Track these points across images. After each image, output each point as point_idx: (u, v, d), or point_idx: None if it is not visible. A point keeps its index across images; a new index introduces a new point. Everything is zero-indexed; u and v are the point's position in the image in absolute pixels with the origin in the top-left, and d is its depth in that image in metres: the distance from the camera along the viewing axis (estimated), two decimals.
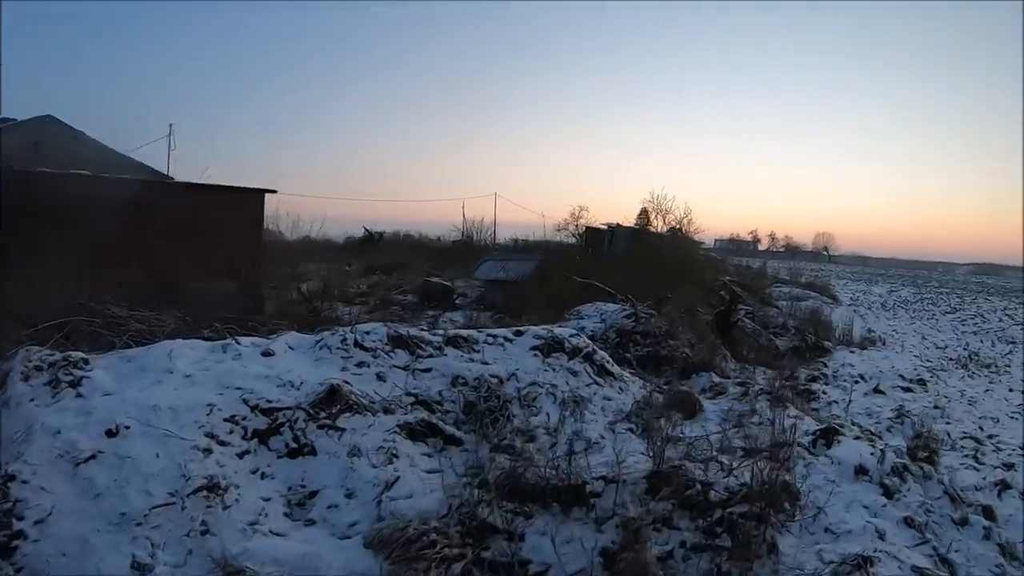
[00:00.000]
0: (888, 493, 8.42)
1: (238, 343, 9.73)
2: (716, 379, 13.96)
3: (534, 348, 11.69)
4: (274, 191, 23.10)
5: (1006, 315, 36.40)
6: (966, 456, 10.68)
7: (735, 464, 8.16)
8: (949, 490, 8.76)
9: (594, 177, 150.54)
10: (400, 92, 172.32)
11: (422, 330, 11.81)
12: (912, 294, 48.89)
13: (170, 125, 40.59)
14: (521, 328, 12.45)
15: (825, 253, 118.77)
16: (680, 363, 14.77)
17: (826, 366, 17.56)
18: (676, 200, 53.61)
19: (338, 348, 10.15)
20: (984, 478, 9.67)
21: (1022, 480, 9.67)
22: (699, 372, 14.47)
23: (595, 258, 34.86)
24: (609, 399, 11.15)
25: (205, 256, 18.74)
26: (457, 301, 24.64)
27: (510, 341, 11.83)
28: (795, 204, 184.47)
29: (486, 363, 10.92)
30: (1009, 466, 10.37)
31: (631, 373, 13.46)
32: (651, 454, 8.35)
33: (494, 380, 10.37)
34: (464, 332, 11.85)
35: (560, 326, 16.21)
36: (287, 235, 60.38)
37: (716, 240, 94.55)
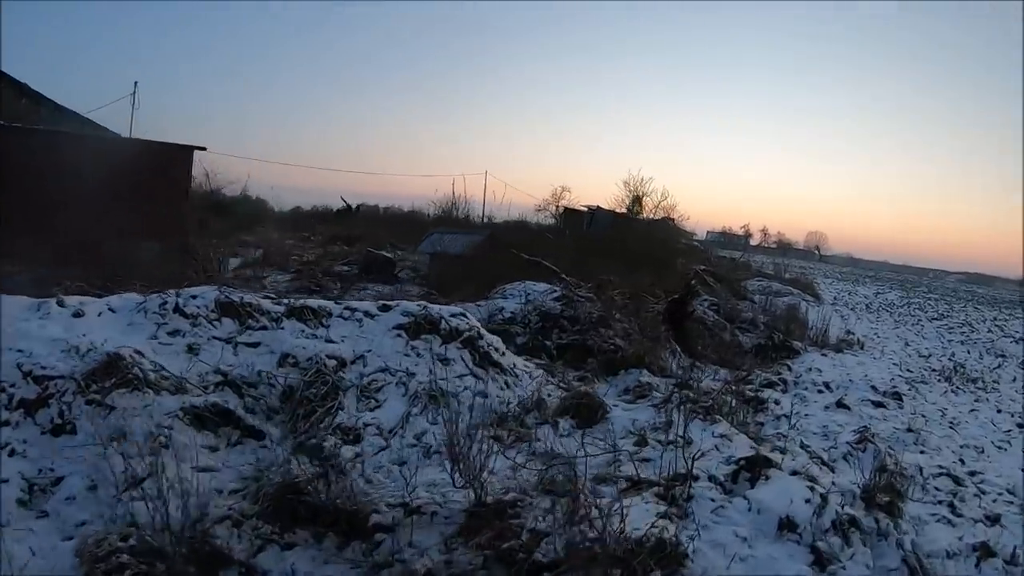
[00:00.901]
0: (821, 561, 5.70)
1: (60, 303, 8.39)
2: (647, 378, 11.27)
3: (399, 327, 9.41)
4: (203, 148, 21.71)
5: (996, 326, 33.50)
6: (940, 503, 7.81)
7: (601, 503, 5.45)
8: (910, 557, 6.02)
9: (593, 165, 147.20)
10: (404, 69, 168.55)
11: (266, 297, 9.77)
12: (899, 297, 45.86)
13: (135, 83, 38.19)
14: (389, 302, 10.06)
15: (816, 252, 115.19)
16: (607, 355, 12.07)
17: (789, 369, 14.78)
18: (654, 184, 51.47)
19: (155, 313, 8.58)
20: (960, 538, 6.83)
21: (1010, 542, 6.85)
22: (630, 368, 11.77)
23: (571, 240, 32.14)
24: (485, 396, 8.70)
25: (126, 214, 17.41)
26: (400, 274, 22.04)
27: (371, 317, 9.56)
28: (791, 202, 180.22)
29: (331, 341, 8.98)
30: (994, 519, 7.53)
31: (540, 364, 10.97)
32: (464, 481, 5.75)
33: (332, 362, 8.47)
34: (314, 303, 9.72)
35: (478, 304, 13.74)
36: (273, 205, 59.34)
37: (708, 232, 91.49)
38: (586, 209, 41.88)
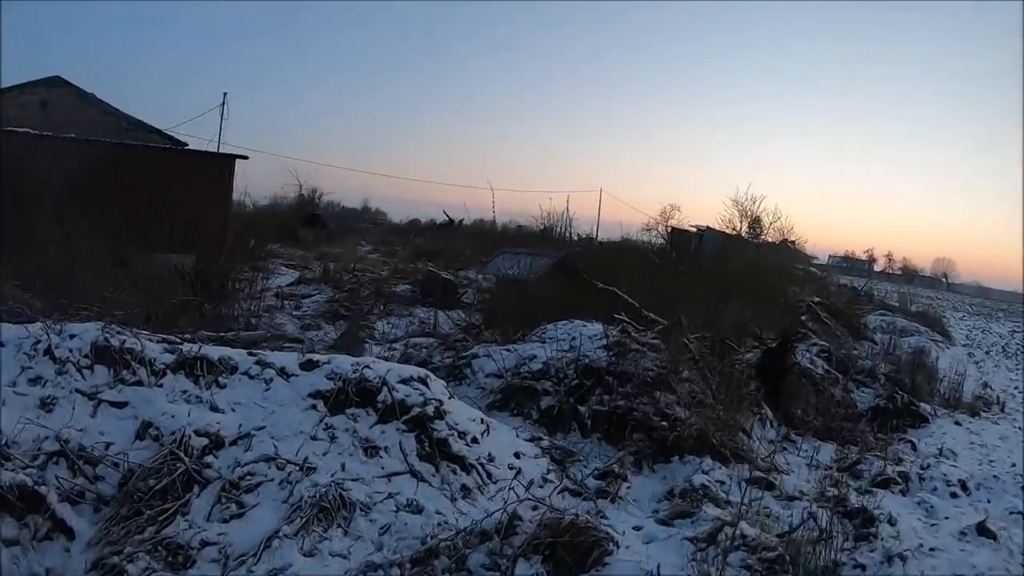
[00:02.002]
0: None
1: None
2: (706, 474, 7.86)
3: (316, 395, 6.67)
4: (245, 157, 20.10)
5: None
6: None
7: None
8: None
9: (707, 183, 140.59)
10: (526, 83, 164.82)
11: (163, 340, 7.32)
12: None
13: (224, 94, 36.89)
14: (317, 358, 7.07)
15: (943, 280, 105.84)
16: (658, 432, 8.63)
17: (914, 448, 10.97)
18: (766, 202, 46.42)
19: (25, 353, 6.60)
20: None
21: None
22: (689, 453, 8.36)
23: (677, 263, 28.53)
24: (418, 511, 5.57)
25: (153, 226, 15.59)
26: (465, 298, 18.93)
27: (285, 377, 6.76)
28: (919, 224, 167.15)
29: (216, 409, 6.44)
30: None
31: (553, 446, 7.82)
32: None
33: (201, 441, 5.94)
34: (216, 352, 7.15)
35: (506, 348, 10.55)
36: (391, 217, 58.46)
37: (829, 256, 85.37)
38: (695, 230, 38.18)
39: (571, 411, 9.05)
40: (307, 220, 40.84)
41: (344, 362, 6.90)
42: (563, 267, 19.22)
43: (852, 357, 16.41)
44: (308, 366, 6.86)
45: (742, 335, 14.18)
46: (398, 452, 6.22)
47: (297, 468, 5.76)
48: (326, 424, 6.27)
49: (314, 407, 6.41)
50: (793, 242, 44.37)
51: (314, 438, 6.11)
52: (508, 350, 10.63)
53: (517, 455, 7.10)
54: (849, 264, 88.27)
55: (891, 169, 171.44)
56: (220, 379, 6.63)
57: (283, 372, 6.74)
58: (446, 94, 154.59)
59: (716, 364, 11.43)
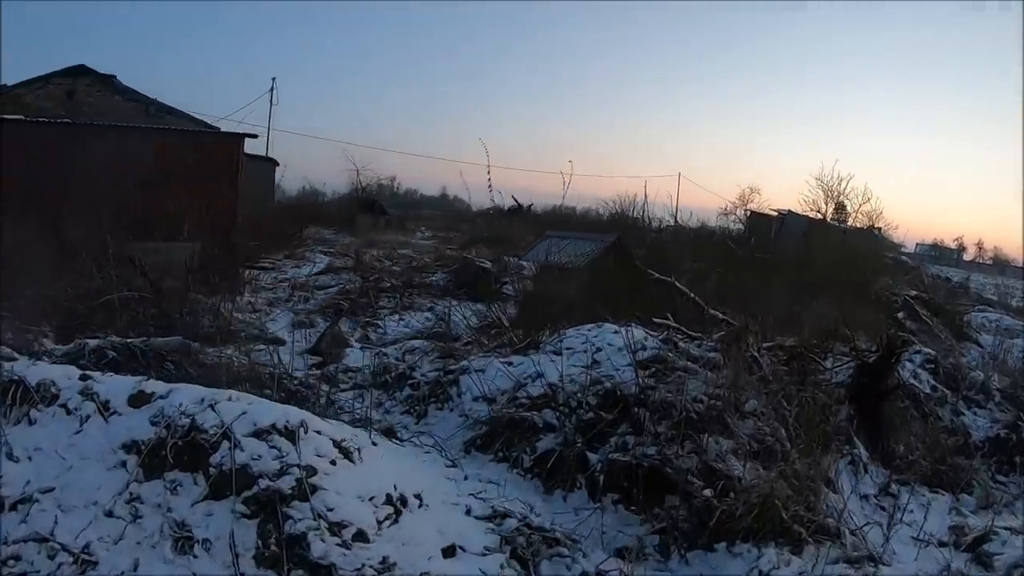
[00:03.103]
0: None
1: None
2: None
3: (130, 447, 4.55)
4: (254, 136, 19.73)
5: None
6: None
7: None
8: None
9: (790, 165, 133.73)
10: (612, 68, 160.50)
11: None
12: None
13: (272, 79, 35.14)
14: (152, 389, 4.98)
15: None
16: (700, 501, 5.66)
17: None
18: (854, 182, 41.37)
19: None
20: None
21: None
22: (743, 536, 5.40)
23: (756, 250, 25.40)
24: None
25: (161, 212, 15.05)
26: (506, 288, 16.12)
27: (106, 414, 4.79)
28: (1009, 210, 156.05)
29: (11, 457, 4.62)
30: None
31: (533, 521, 5.30)
32: None
33: None
34: (37, 376, 5.12)
35: (506, 362, 7.73)
36: (471, 204, 57.36)
37: (917, 244, 79.39)
38: (775, 213, 34.64)
39: (577, 460, 6.20)
40: (365, 207, 38.76)
41: (179, 398, 4.36)
42: (616, 252, 16.29)
43: (961, 367, 12.80)
44: (138, 401, 4.34)
45: (830, 340, 10.84)
46: (226, 550, 3.80)
47: (71, 560, 4.02)
48: (131, 494, 4.29)
49: (124, 465, 4.35)
50: (880, 228, 40.14)
51: (109, 514, 4.28)
52: (509, 363, 7.78)
53: (451, 551, 4.32)
54: (938, 253, 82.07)
55: (979, 151, 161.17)
56: (33, 412, 4.92)
57: (105, 408, 4.79)
58: (527, 82, 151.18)
59: (794, 387, 8.27)
